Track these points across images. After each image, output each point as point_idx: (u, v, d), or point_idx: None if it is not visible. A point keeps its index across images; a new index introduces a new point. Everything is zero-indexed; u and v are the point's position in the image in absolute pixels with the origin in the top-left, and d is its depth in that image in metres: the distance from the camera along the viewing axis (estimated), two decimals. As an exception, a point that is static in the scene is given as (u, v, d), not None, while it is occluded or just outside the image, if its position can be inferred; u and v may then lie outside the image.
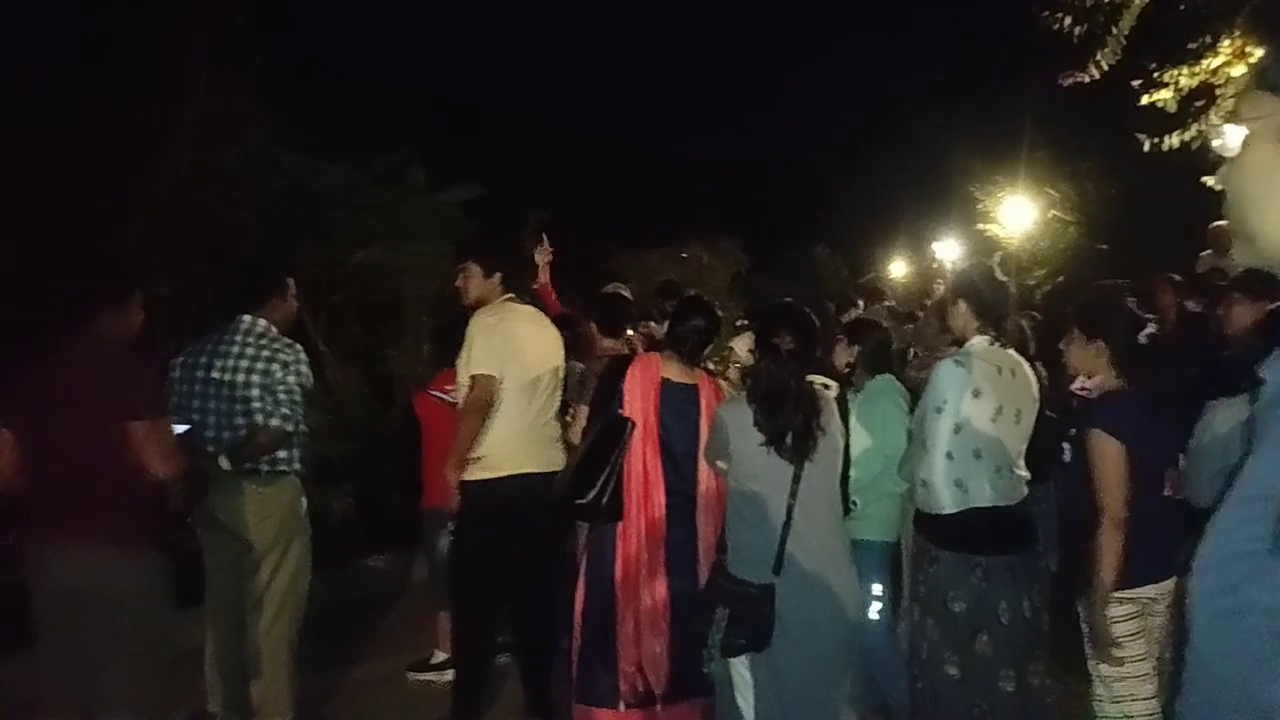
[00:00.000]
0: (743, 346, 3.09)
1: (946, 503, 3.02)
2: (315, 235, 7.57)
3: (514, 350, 3.65)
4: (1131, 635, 2.89)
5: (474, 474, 3.59)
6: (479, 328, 3.65)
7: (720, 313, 3.73)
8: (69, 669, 2.76)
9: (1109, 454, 2.87)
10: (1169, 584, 2.92)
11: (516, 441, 3.63)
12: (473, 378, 3.61)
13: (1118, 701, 2.93)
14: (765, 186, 21.02)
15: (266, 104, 7.32)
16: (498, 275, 3.83)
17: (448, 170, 8.60)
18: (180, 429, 3.35)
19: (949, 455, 3.01)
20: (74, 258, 3.38)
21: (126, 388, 2.74)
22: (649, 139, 22.23)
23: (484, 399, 3.58)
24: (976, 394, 3.03)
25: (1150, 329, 3.09)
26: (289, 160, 7.59)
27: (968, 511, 3.02)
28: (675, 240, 12.22)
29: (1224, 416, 3.58)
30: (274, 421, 3.45)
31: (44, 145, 5.96)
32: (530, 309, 3.90)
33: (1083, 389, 3.16)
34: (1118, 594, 2.86)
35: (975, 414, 3.03)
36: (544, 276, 4.56)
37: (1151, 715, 2.91)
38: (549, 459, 3.68)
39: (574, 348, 4.06)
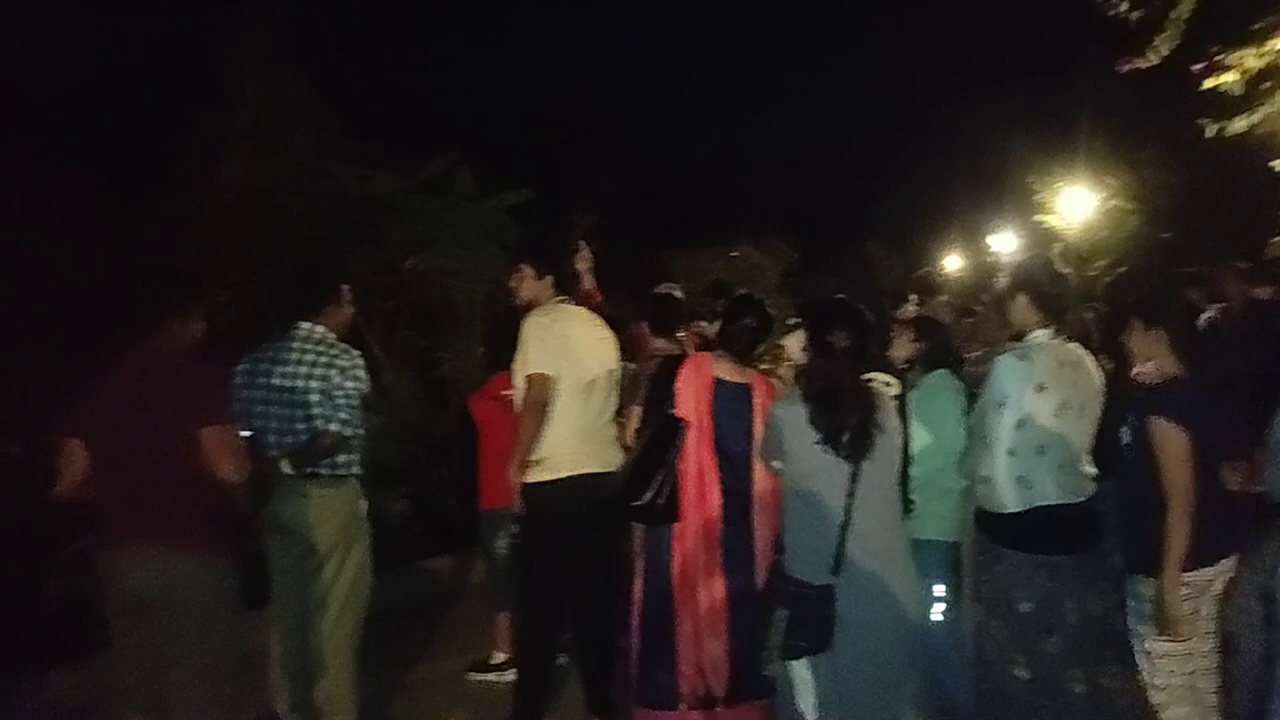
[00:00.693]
0: (795, 345, 3.06)
1: (1010, 500, 2.96)
2: (367, 242, 7.68)
3: (569, 351, 3.65)
4: (1182, 619, 2.92)
5: (535, 476, 3.60)
6: (533, 328, 3.66)
7: (771, 311, 3.71)
8: (141, 671, 2.84)
9: (1172, 440, 2.89)
10: (1225, 565, 2.98)
11: (576, 442, 3.63)
12: (528, 378, 3.61)
13: (1165, 675, 2.96)
14: (815, 182, 20.82)
15: (316, 113, 7.46)
16: (550, 277, 3.84)
17: (495, 175, 8.67)
18: (243, 435, 3.44)
19: (1011, 452, 2.95)
20: (138, 269, 3.47)
21: (195, 394, 2.81)
22: (697, 137, 22.19)
23: (541, 398, 3.58)
24: (1040, 388, 2.97)
25: (1209, 315, 3.15)
26: (339, 168, 7.72)
27: (1032, 510, 2.95)
28: (724, 239, 12.15)
29: None
30: (333, 426, 3.50)
31: (104, 158, 6.16)
32: (584, 310, 3.90)
33: (1140, 374, 3.14)
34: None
35: (1038, 409, 2.96)
36: (587, 283, 4.56)
37: (1188, 689, 2.96)
38: (609, 458, 3.67)
39: (624, 349, 4.06)
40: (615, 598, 3.63)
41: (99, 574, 3.00)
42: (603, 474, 3.59)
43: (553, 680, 3.88)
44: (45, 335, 4.82)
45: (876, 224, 18.67)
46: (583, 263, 4.50)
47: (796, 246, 12.43)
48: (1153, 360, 3.11)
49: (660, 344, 4.13)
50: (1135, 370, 3.18)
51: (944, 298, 6.79)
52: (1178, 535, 2.84)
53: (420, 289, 8.00)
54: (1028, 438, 2.95)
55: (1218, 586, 2.99)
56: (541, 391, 3.58)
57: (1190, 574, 2.90)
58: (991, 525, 3.06)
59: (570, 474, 3.60)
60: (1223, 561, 2.98)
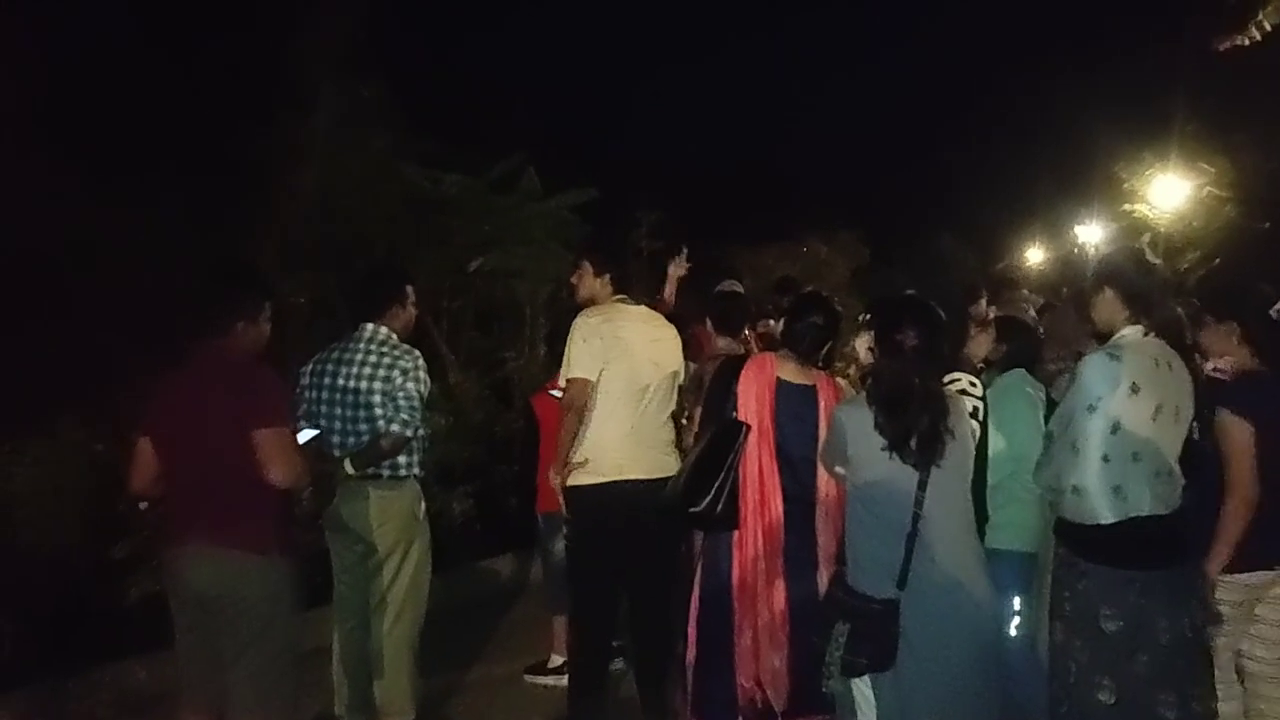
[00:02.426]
0: (862, 345, 2.92)
1: (1105, 511, 2.75)
2: (436, 242, 7.76)
3: (620, 352, 3.57)
4: (1230, 616, 2.99)
5: (577, 479, 3.55)
6: (579, 329, 3.60)
7: (840, 309, 3.56)
8: (201, 670, 2.88)
9: (1236, 433, 2.90)
10: (1270, 575, 3.02)
11: (624, 446, 3.55)
12: (568, 381, 3.56)
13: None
14: (887, 173, 20.25)
15: (389, 115, 7.56)
16: (608, 275, 3.77)
17: (560, 173, 8.67)
18: (311, 434, 3.47)
19: (1105, 458, 2.74)
20: (209, 270, 3.54)
21: (253, 396, 2.83)
22: (765, 128, 21.87)
23: (577, 403, 3.53)
24: (1134, 390, 2.76)
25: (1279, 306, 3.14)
26: (411, 170, 7.81)
27: (1125, 521, 2.75)
28: (792, 234, 11.94)
29: None
30: (394, 427, 3.51)
31: (186, 163, 6.36)
32: (644, 310, 3.80)
33: (1216, 370, 3.06)
34: (1224, 577, 2.94)
35: (1133, 412, 2.76)
36: (669, 290, 4.45)
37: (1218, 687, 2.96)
38: (659, 464, 3.58)
39: (686, 348, 3.97)
40: (674, 605, 3.54)
41: (163, 572, 3.07)
42: (652, 480, 3.51)
43: (606, 686, 3.83)
44: (130, 334, 4.98)
45: (952, 216, 18.06)
46: (677, 269, 4.41)
47: (867, 241, 12.14)
48: (1227, 355, 3.09)
49: (723, 344, 4.02)
50: (1209, 367, 3.08)
51: (1024, 292, 6.49)
52: (1233, 525, 2.85)
53: (486, 289, 8.05)
54: (1122, 443, 2.75)
55: (1261, 593, 3.03)
56: (578, 396, 3.53)
57: (1244, 576, 2.96)
58: (1079, 537, 2.84)
59: (615, 478, 3.52)
60: (1268, 572, 3.01)
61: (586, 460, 3.54)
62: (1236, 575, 2.99)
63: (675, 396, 3.77)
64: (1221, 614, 3.01)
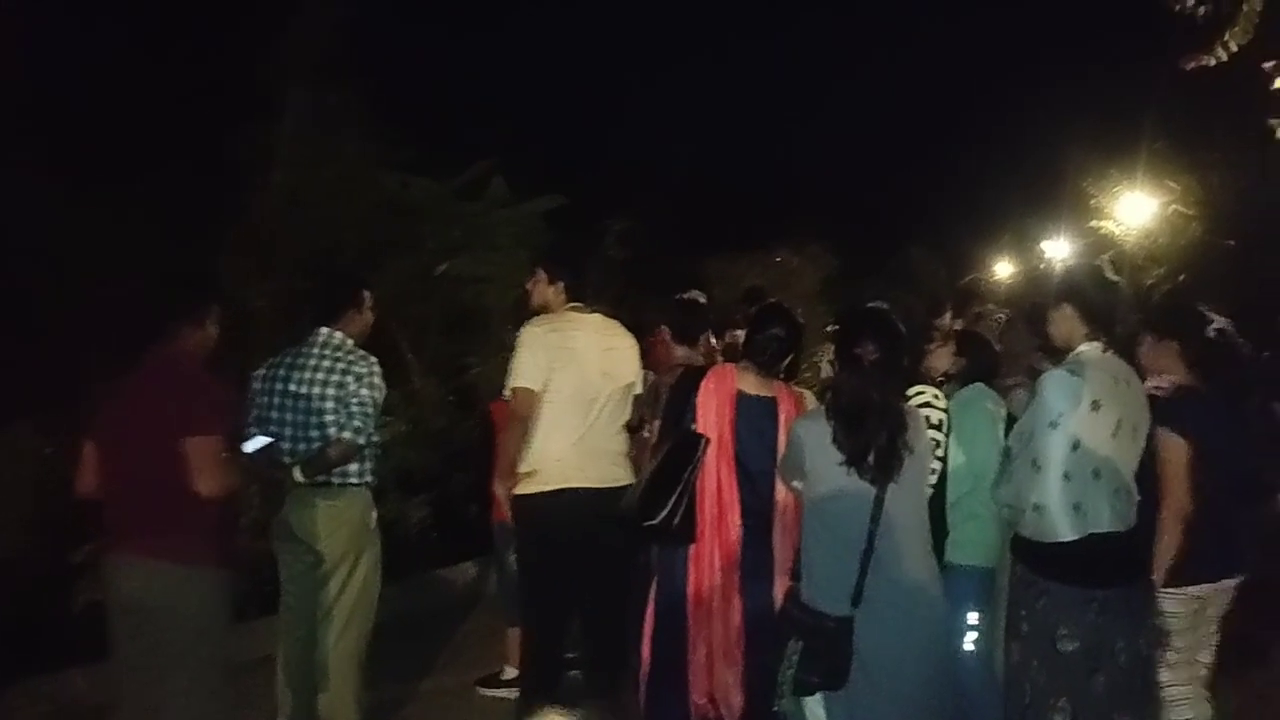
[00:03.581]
0: (826, 359, 2.89)
1: (1065, 529, 2.72)
2: (403, 248, 7.67)
3: (568, 361, 3.53)
4: (1182, 630, 3.04)
5: (524, 488, 3.51)
6: (524, 338, 3.57)
7: (802, 320, 3.53)
8: (135, 680, 2.81)
9: (1173, 450, 2.95)
10: (1225, 584, 3.10)
11: (572, 456, 3.50)
12: (512, 390, 3.52)
13: (1162, 687, 3.04)
14: (859, 186, 20.37)
15: (361, 121, 7.47)
16: (561, 283, 3.72)
17: (530, 180, 8.61)
18: (262, 441, 3.38)
19: (1066, 476, 2.72)
20: (156, 275, 3.46)
21: (188, 403, 2.76)
22: (737, 140, 21.93)
23: (521, 413, 3.49)
24: (1095, 407, 2.75)
25: (1218, 325, 3.25)
26: (383, 175, 7.72)
27: (1085, 539, 2.73)
28: (764, 245, 11.93)
29: None
30: (346, 434, 3.44)
31: (148, 164, 6.24)
32: (598, 318, 3.75)
33: (1155, 388, 3.10)
34: (1172, 590, 2.98)
35: (1094, 429, 2.75)
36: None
37: (1181, 702, 3.05)
38: (608, 475, 3.53)
39: (646, 358, 3.92)
40: (630, 618, 3.48)
41: (100, 580, 2.97)
42: (597, 490, 3.46)
43: (558, 697, 3.76)
44: (90, 338, 4.88)
45: (923, 229, 18.25)
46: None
47: (837, 252, 12.15)
48: (1166, 373, 3.16)
49: (681, 353, 3.97)
50: (1149, 384, 3.10)
51: (990, 306, 6.50)
52: (1168, 538, 2.89)
53: (453, 295, 7.96)
54: (1083, 460, 2.73)
55: (1215, 605, 3.11)
56: (522, 406, 3.49)
57: (1193, 588, 3.00)
58: (1038, 555, 2.82)
59: (560, 487, 3.47)
60: (1224, 580, 3.09)
61: (534, 470, 3.48)
62: (1188, 588, 3.03)
63: (630, 407, 3.71)
64: (1173, 630, 3.04)
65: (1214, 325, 3.24)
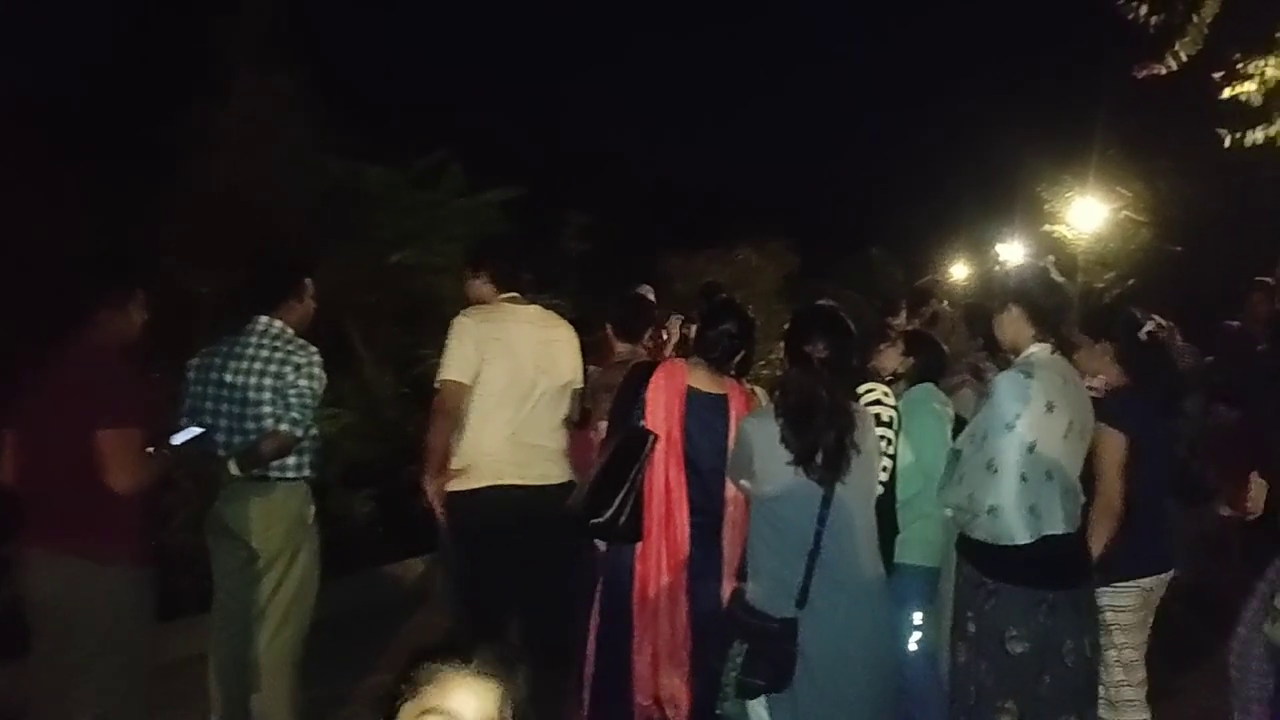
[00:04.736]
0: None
1: (1021, 531, 2.69)
2: (355, 236, 7.52)
3: (500, 352, 3.44)
4: (1137, 624, 3.12)
5: (453, 485, 3.42)
6: (453, 329, 3.48)
7: (761, 318, 3.48)
8: (50, 678, 2.69)
9: (1110, 445, 3.00)
10: (1167, 576, 3.21)
11: (504, 451, 3.42)
12: (440, 383, 3.44)
13: (1114, 687, 3.11)
14: (820, 186, 20.54)
15: (309, 106, 7.30)
16: (485, 274, 3.64)
17: (490, 170, 8.50)
18: (192, 433, 3.25)
19: (1023, 478, 2.70)
20: (76, 259, 3.31)
21: (103, 394, 2.64)
22: (700, 137, 21.96)
23: (447, 406, 3.41)
24: (1050, 408, 2.74)
25: (1149, 327, 3.38)
26: (330, 161, 7.56)
27: (1040, 541, 2.71)
28: (725, 241, 11.93)
29: None
30: (283, 426, 3.33)
31: (86, 149, 6.03)
32: (534, 310, 3.66)
33: (1090, 388, 3.15)
34: (1121, 584, 3.06)
35: (1048, 431, 2.74)
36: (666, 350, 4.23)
37: (1134, 703, 3.13)
38: (543, 471, 3.46)
39: (594, 353, 3.85)
40: (576, 618, 3.41)
41: (16, 576, 2.84)
42: (535, 487, 3.39)
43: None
44: (21, 325, 4.70)
45: (882, 229, 18.44)
46: (668, 343, 4.24)
47: (798, 250, 12.20)
48: (1100, 374, 3.25)
49: (624, 349, 3.90)
50: (1084, 384, 3.14)
51: (945, 305, 6.55)
52: (1101, 532, 2.93)
53: (407, 284, 7.83)
54: (1038, 462, 2.72)
55: (1158, 595, 3.20)
56: (449, 399, 3.41)
57: (1143, 580, 3.10)
58: (991, 558, 2.78)
59: (492, 484, 3.39)
60: (1165, 572, 3.20)
61: (466, 466, 3.40)
62: (1138, 581, 3.13)
63: (569, 402, 3.63)
64: (1123, 626, 3.10)
65: (1146, 328, 3.36)
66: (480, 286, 3.64)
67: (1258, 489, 3.41)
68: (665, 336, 4.14)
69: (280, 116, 7.18)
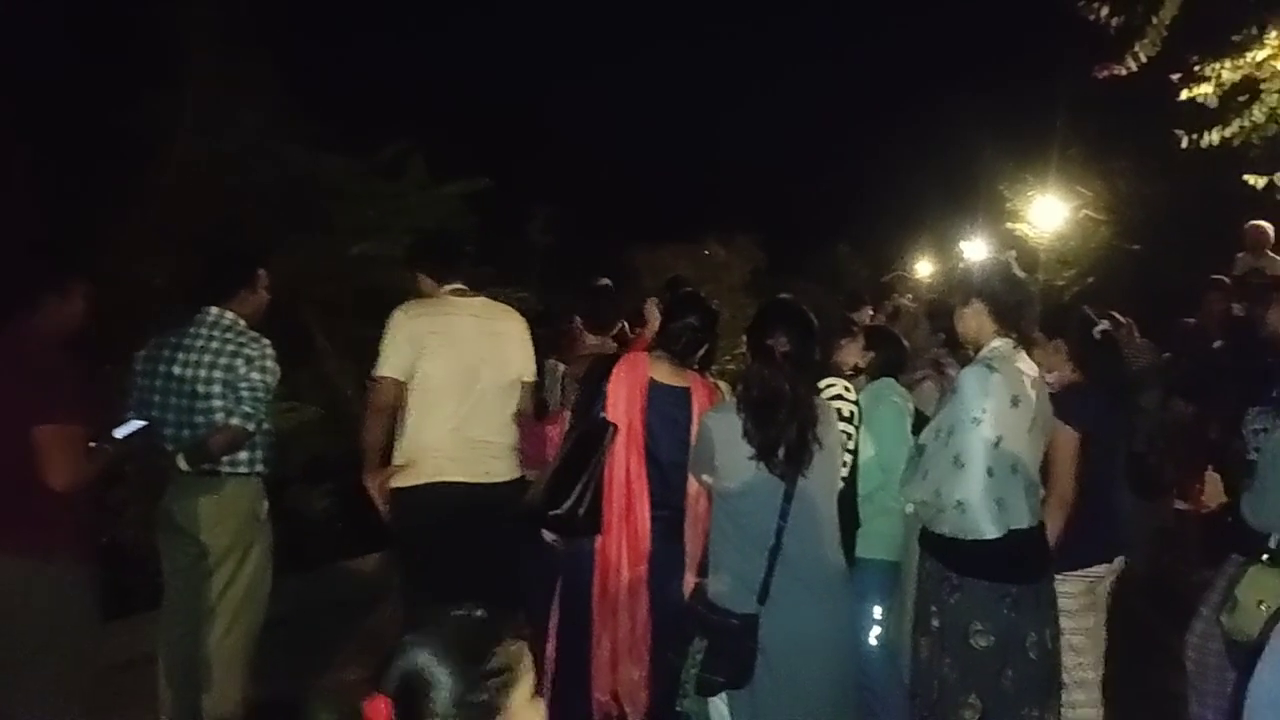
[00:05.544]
0: None
1: (988, 526, 2.68)
2: (314, 226, 7.38)
3: (441, 345, 3.37)
4: (1082, 610, 3.19)
5: (397, 481, 3.37)
6: (390, 324, 3.42)
7: (728, 312, 3.45)
8: None
9: (1064, 439, 3.07)
10: (1117, 564, 3.31)
11: (445, 446, 3.35)
12: (376, 379, 3.38)
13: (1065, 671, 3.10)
14: (788, 182, 20.62)
15: (268, 93, 7.15)
16: (421, 271, 3.61)
17: (456, 162, 8.39)
18: (136, 425, 3.15)
19: (989, 472, 2.69)
20: (15, 247, 3.19)
21: (39, 387, 2.53)
22: (668, 131, 21.91)
23: (382, 402, 3.36)
24: (1015, 403, 2.74)
25: (1102, 326, 3.43)
26: (289, 150, 7.41)
27: (1007, 535, 2.71)
28: (693, 236, 11.93)
29: None
30: (234, 420, 3.24)
31: (40, 135, 5.85)
32: (480, 302, 3.58)
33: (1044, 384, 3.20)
34: (1069, 573, 3.11)
35: (1013, 425, 2.74)
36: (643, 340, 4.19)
37: (1092, 683, 3.24)
38: (486, 468, 3.40)
39: (559, 346, 3.79)
40: (535, 613, 3.36)
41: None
42: (479, 484, 3.34)
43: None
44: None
45: (848, 226, 18.57)
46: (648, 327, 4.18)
47: (765, 246, 12.24)
48: (1053, 370, 3.31)
49: (593, 341, 3.86)
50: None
51: (906, 300, 6.59)
52: (1052, 526, 2.96)
53: (369, 276, 7.71)
54: (1004, 456, 2.71)
55: (1108, 582, 3.31)
56: (381, 396, 3.36)
57: (1094, 569, 3.20)
58: (957, 552, 2.76)
59: (433, 480, 3.33)
60: (1115, 560, 3.30)
61: (407, 462, 3.34)
62: (1090, 568, 3.22)
63: (520, 396, 3.56)
64: (1073, 611, 3.15)
65: (1099, 327, 3.41)
66: (422, 282, 3.59)
67: (1212, 483, 3.47)
68: (647, 319, 4.09)
69: (240, 104, 7.03)
